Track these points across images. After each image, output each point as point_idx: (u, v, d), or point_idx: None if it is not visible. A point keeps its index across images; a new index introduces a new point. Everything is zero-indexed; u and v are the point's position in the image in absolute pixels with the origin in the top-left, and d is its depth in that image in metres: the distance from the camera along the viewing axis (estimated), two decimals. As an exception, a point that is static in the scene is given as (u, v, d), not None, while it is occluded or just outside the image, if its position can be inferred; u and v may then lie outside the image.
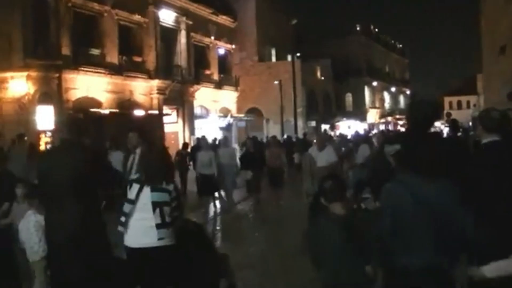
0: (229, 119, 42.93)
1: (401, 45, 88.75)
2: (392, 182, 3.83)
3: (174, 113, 37.60)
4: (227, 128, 41.41)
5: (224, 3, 44.97)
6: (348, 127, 56.89)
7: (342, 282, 4.36)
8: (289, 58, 43.91)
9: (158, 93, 34.32)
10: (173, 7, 36.63)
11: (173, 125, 36.74)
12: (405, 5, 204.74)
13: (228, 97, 45.64)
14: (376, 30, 75.63)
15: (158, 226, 5.39)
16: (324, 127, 52.45)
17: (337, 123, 56.06)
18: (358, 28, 68.41)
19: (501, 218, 4.04)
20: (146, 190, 5.47)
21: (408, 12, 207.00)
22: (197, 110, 40.65)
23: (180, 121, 37.87)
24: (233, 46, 46.73)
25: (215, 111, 43.02)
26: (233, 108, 46.43)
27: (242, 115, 45.86)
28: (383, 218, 3.81)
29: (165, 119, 34.19)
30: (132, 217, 5.48)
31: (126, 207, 5.53)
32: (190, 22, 38.71)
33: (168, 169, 6.06)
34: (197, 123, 39.40)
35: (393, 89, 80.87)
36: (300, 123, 43.91)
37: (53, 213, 5.49)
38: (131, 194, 5.54)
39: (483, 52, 43.93)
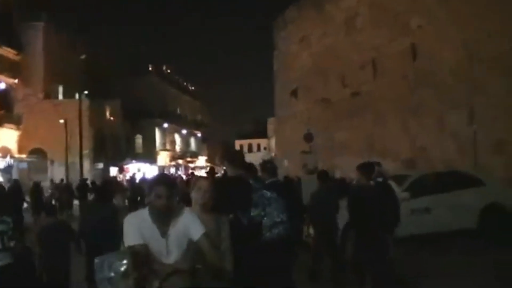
0: (8, 160, 40.91)
1: (193, 87, 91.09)
2: None
3: None
4: (6, 170, 39.31)
5: (8, 33, 43.12)
6: (138, 170, 56.95)
7: None
8: (78, 96, 43.18)
9: None
10: None
11: None
12: (199, 47, 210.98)
13: (9, 136, 43.98)
14: (169, 71, 77.15)
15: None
16: (113, 169, 52.06)
17: (126, 166, 55.77)
18: (150, 68, 69.29)
19: None
20: None
21: (202, 55, 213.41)
22: (-27, 149, 38.24)
23: (-48, 161, 35.29)
24: (16, 81, 45.04)
25: (-7, 151, 40.84)
26: (14, 147, 44.62)
27: (24, 155, 44.01)
28: None
29: None
30: None
31: None
32: (-32, 52, 36.66)
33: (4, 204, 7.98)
34: (-27, 163, 37.13)
35: (184, 131, 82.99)
36: (86, 165, 43.30)
37: None
38: None
39: (275, 95, 46.73)
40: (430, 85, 24.70)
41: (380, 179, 9.46)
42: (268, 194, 5.81)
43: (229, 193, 5.77)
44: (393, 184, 10.94)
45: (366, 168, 8.81)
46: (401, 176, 15.40)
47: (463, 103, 22.75)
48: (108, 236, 8.43)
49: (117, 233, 8.68)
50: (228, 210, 5.57)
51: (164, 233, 4.53)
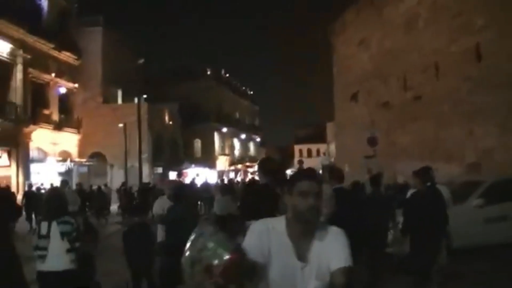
0: (68, 164, 41.37)
1: (251, 92, 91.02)
2: None
3: (5, 155, 35.80)
4: (67, 174, 39.67)
5: (68, 38, 43.68)
6: (196, 175, 56.94)
7: None
8: (136, 100, 43.24)
9: (-14, 133, 32.49)
10: (8, 39, 35.22)
11: (4, 168, 34.95)
12: (256, 52, 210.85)
13: (69, 140, 44.51)
14: (227, 75, 77.03)
15: (67, 251, 6.96)
16: (172, 174, 52.16)
17: (185, 170, 55.77)
18: (208, 72, 69.34)
19: None
20: (54, 224, 6.96)
21: (259, 59, 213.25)
22: (34, 153, 39.03)
23: (14, 164, 35.88)
24: (76, 85, 45.68)
25: (54, 155, 41.31)
26: (74, 151, 45.26)
27: (84, 159, 44.45)
28: None
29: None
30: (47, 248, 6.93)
31: (42, 242, 6.94)
32: (28, 56, 37.33)
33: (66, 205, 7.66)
34: (33, 167, 37.83)
35: (243, 136, 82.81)
36: (145, 169, 43.38)
37: None
38: (43, 230, 6.98)
39: (334, 99, 46.02)
40: (495, 86, 23.60)
41: (429, 184, 9.14)
42: None
43: (255, 200, 5.95)
44: (444, 189, 10.23)
45: (422, 173, 9.03)
46: (473, 182, 14.26)
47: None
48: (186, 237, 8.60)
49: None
50: (254, 217, 5.03)
51: (302, 255, 3.14)
